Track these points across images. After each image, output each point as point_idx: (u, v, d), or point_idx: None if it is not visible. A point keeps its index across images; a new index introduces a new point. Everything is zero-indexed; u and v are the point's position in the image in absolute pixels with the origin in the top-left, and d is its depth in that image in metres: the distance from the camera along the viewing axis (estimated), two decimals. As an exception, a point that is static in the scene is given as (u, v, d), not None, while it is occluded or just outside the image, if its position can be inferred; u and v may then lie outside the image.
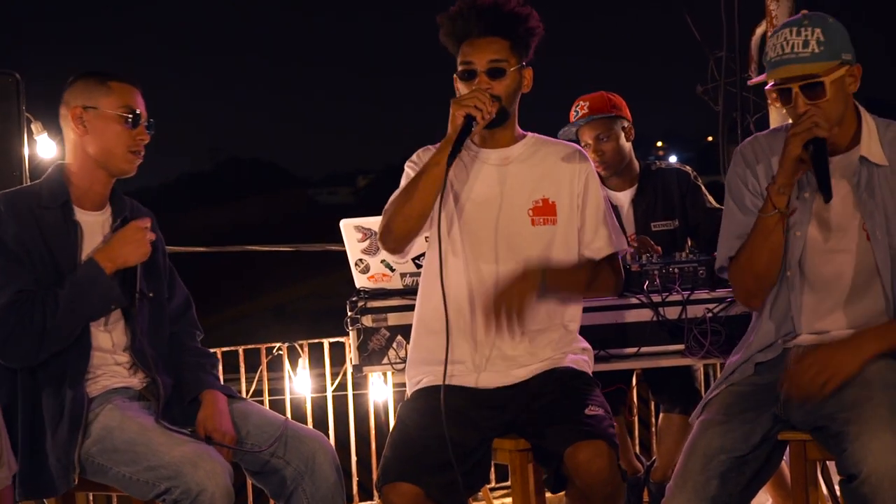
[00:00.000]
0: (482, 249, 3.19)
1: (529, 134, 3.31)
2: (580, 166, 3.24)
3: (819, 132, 2.82)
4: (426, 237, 3.23)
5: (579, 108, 4.28)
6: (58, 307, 2.94)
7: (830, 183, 2.83)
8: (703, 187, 4.32)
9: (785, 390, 2.81)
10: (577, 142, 4.34)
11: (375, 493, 5.39)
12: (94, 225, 3.12)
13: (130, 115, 3.09)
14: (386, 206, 3.18)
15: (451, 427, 3.05)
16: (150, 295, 3.17)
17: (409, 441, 3.06)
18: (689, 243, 4.00)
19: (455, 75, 3.21)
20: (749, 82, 3.06)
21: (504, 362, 3.17)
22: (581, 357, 3.26)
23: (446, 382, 3.18)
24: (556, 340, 3.21)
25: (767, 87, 2.96)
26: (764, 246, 2.92)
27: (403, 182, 3.23)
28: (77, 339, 3.01)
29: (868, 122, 2.95)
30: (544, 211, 3.21)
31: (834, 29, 2.89)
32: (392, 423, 5.17)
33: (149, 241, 3.10)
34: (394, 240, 3.15)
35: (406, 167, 3.28)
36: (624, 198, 4.30)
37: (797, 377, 2.77)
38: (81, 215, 3.10)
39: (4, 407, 2.95)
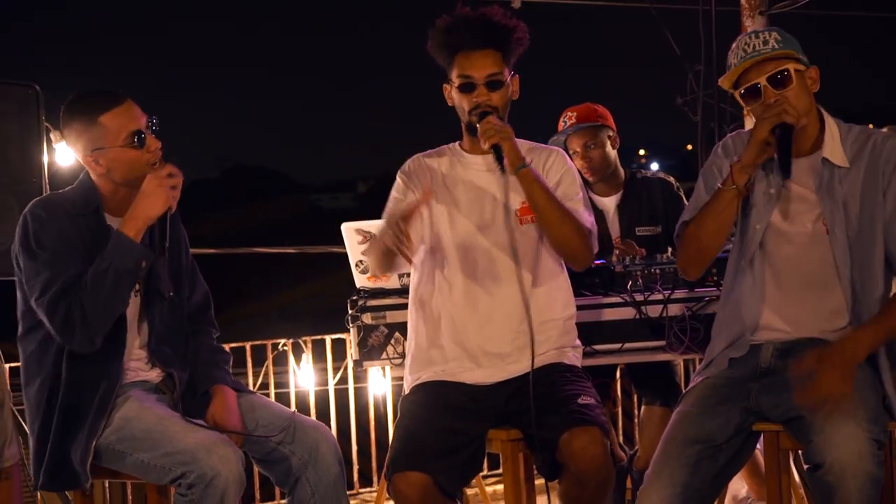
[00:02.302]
0: (477, 251, 3.19)
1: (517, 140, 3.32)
2: (556, 164, 3.25)
3: (787, 118, 2.86)
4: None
5: (567, 119, 4.30)
6: (87, 282, 2.89)
7: (791, 163, 2.87)
8: (683, 197, 4.33)
9: (806, 402, 2.70)
10: (566, 150, 4.35)
11: (375, 480, 5.41)
12: None
13: (135, 138, 2.99)
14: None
15: (451, 418, 3.07)
16: (171, 294, 3.15)
17: (413, 433, 3.06)
18: (670, 252, 4.01)
19: (446, 85, 3.23)
20: (720, 82, 3.07)
21: (501, 359, 3.17)
22: (573, 353, 3.27)
23: (444, 379, 3.20)
24: (555, 338, 3.21)
25: (737, 92, 2.97)
26: (714, 218, 2.94)
27: (394, 192, 3.25)
28: (114, 339, 2.98)
29: (831, 125, 2.97)
30: (530, 210, 3.20)
31: (787, 34, 2.95)
32: (390, 414, 5.20)
33: (169, 188, 2.96)
34: None
35: (398, 176, 3.29)
36: (609, 203, 4.31)
37: (820, 389, 2.67)
38: (113, 221, 3.06)
39: (47, 400, 2.96)
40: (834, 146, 2.94)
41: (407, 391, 3.28)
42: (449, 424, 3.06)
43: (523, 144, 3.28)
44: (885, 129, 3.02)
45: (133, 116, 3.02)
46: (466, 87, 3.16)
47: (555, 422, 2.98)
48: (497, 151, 3.08)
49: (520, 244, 3.18)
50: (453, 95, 3.21)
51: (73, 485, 2.98)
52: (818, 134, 2.97)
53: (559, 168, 3.25)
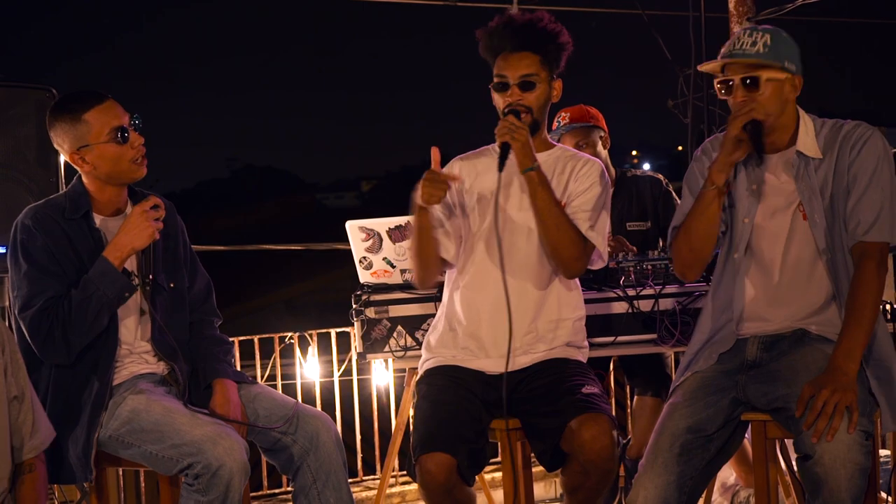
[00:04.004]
0: (508, 249, 3.15)
1: (558, 145, 3.32)
2: (588, 175, 3.21)
3: (756, 115, 2.86)
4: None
5: (561, 119, 4.31)
6: (71, 306, 2.92)
7: (764, 149, 2.91)
8: (673, 193, 4.33)
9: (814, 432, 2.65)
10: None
11: (378, 468, 5.41)
12: (116, 227, 3.07)
13: (119, 134, 3.01)
14: None
15: (470, 404, 3.07)
16: (171, 286, 3.15)
17: (437, 416, 3.04)
18: (661, 244, 4.02)
19: (490, 86, 3.21)
20: (699, 66, 3.08)
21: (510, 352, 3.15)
22: (580, 354, 3.27)
23: (454, 364, 3.19)
24: (564, 336, 3.21)
25: (716, 80, 2.98)
26: (701, 219, 2.92)
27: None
28: (105, 337, 2.99)
29: (806, 121, 2.98)
30: None
31: (783, 40, 2.93)
32: (393, 405, 5.20)
33: (152, 221, 3.00)
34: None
35: None
36: (602, 201, 4.30)
37: (821, 419, 2.64)
38: (103, 222, 3.08)
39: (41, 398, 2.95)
40: (807, 140, 2.95)
41: (420, 372, 3.28)
42: (468, 410, 3.06)
43: (566, 151, 3.29)
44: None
45: (116, 113, 3.04)
46: (500, 87, 3.17)
47: (560, 410, 2.98)
48: (504, 150, 3.07)
49: (537, 245, 3.17)
50: (493, 95, 3.21)
51: (70, 480, 2.97)
52: (794, 130, 2.97)
53: (588, 179, 3.20)
